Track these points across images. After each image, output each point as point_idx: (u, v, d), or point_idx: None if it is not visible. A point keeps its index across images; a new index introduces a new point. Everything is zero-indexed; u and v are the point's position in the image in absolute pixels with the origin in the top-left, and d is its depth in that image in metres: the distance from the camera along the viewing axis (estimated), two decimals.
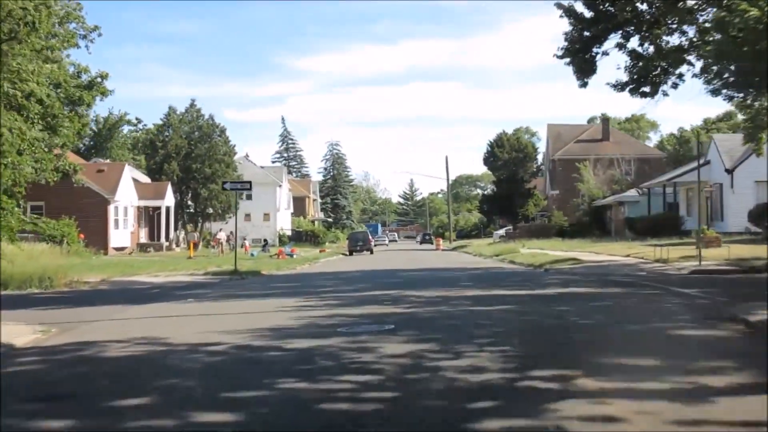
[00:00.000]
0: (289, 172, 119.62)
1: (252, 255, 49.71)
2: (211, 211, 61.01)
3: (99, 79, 30.66)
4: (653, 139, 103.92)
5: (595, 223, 59.38)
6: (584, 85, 28.32)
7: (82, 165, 53.18)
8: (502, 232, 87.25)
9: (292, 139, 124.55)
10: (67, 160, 32.10)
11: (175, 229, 58.49)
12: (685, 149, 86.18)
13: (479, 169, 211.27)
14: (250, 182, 31.36)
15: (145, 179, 60.27)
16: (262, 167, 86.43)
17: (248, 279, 26.29)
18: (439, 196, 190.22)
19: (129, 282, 24.45)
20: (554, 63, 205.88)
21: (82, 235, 45.33)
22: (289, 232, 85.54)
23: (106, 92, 30.92)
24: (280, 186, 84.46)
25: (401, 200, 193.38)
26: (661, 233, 42.38)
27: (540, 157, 77.00)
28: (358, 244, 60.78)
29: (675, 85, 27.22)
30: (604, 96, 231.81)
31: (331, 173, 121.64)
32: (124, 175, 51.10)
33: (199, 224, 60.96)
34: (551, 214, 69.34)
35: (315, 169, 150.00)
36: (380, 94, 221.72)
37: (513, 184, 72.31)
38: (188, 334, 11.02)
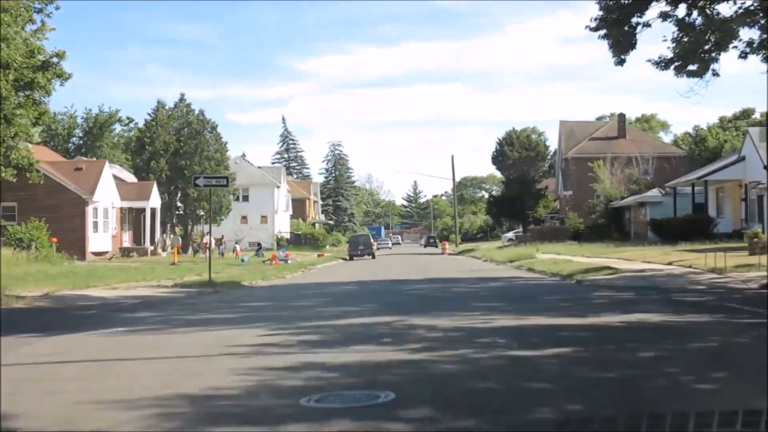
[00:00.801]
0: (290, 174, 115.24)
1: (242, 261, 45.28)
2: (201, 212, 56.59)
3: (55, 59, 26.21)
4: (665, 139, 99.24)
5: (613, 226, 54.83)
6: (621, 62, 23.81)
7: (57, 162, 48.97)
8: (510, 235, 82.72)
9: (292, 140, 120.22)
10: (20, 153, 27.64)
11: (163, 232, 54.08)
12: (701, 148, 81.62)
13: (484, 170, 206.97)
14: (226, 177, 26.85)
15: (132, 179, 55.92)
16: (259, 167, 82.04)
17: (222, 293, 21.84)
18: (443, 198, 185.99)
19: (76, 297, 19.96)
20: (557, 64, 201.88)
21: (54, 239, 40.92)
22: (287, 236, 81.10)
23: (63, 75, 26.46)
24: (278, 187, 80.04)
25: (405, 203, 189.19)
26: (690, 236, 37.87)
27: (551, 154, 72.32)
28: (359, 249, 56.32)
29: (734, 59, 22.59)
30: (611, 97, 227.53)
31: (333, 174, 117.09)
32: (104, 174, 46.67)
33: (189, 227, 56.57)
34: (565, 216, 64.80)
35: (317, 171, 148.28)
36: (383, 96, 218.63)
37: (523, 185, 67.69)
38: (46, 412, 6.56)
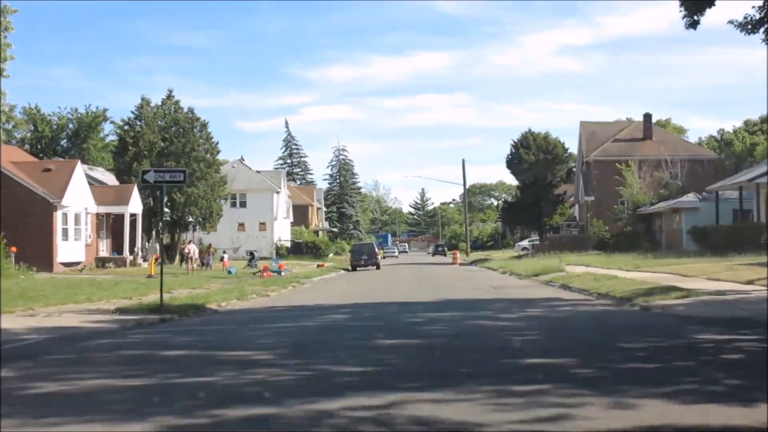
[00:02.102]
0: (293, 180, 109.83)
1: (229, 272, 39.74)
2: (190, 219, 51.06)
3: None
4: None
5: (643, 235, 49.13)
6: (694, 24, 18.25)
7: (24, 162, 43.54)
8: (525, 243, 77.05)
9: (296, 145, 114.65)
10: None
11: (147, 240, 48.56)
12: (727, 152, 75.86)
13: (493, 177, 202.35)
14: (184, 171, 21.15)
15: (115, 182, 50.51)
16: (258, 172, 76.56)
17: (170, 322, 16.29)
18: (451, 205, 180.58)
19: None
20: (564, 72, 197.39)
21: (12, 249, 35.45)
22: (288, 244, 75.59)
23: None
24: (277, 192, 74.53)
25: (412, 210, 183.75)
26: (740, 247, 32.29)
27: (570, 158, 66.63)
28: (362, 258, 50.74)
29: None
30: (619, 105, 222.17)
31: (338, 180, 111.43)
32: (76, 175, 41.22)
33: (177, 235, 51.03)
34: (587, 224, 59.12)
35: (321, 178, 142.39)
36: (389, 105, 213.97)
37: (540, 190, 62.05)
38: None
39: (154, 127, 50.14)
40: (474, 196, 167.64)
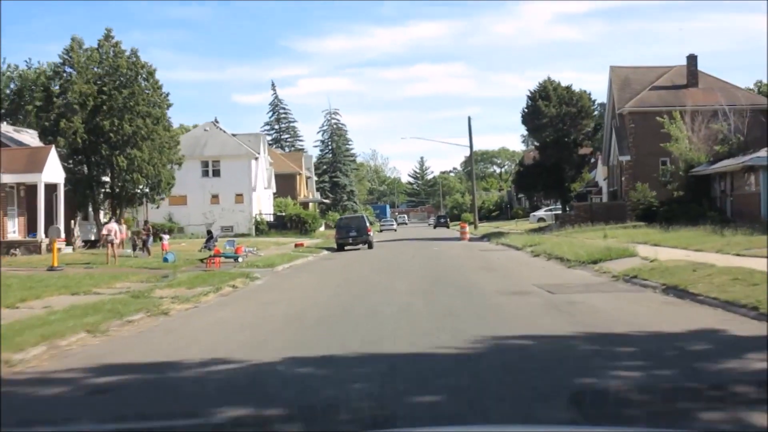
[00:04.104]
0: (282, 148, 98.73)
1: (165, 260, 28.96)
2: (139, 190, 40.15)
3: None
4: None
5: (703, 200, 38.33)
6: None
7: None
8: (541, 213, 66.34)
9: (284, 109, 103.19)
10: None
11: (71, 217, 37.61)
12: None
13: (495, 144, 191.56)
14: None
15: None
16: (234, 135, 65.44)
17: None
18: (452, 174, 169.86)
19: None
20: (562, 40, 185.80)
21: None
22: (270, 218, 64.79)
23: None
24: (256, 158, 63.49)
25: (411, 180, 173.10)
26: None
27: (592, 107, 55.15)
28: (350, 236, 39.99)
29: None
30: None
31: (330, 146, 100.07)
32: None
33: (120, 210, 40.15)
34: (623, 188, 48.22)
35: (312, 144, 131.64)
36: (387, 76, 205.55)
37: (563, 150, 51.14)
38: None
39: (88, 76, 39.02)
40: (475, 163, 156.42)
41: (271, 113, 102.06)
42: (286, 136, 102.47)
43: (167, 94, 40.95)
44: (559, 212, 56.87)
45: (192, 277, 21.69)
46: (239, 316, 13.75)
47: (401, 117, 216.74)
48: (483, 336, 9.99)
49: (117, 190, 39.47)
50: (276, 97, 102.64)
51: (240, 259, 30.02)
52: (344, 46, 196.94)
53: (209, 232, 37.39)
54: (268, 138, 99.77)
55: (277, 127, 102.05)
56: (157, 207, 45.55)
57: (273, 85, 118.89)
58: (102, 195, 40.30)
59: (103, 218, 39.85)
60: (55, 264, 25.91)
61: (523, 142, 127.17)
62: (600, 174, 66.74)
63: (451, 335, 10.17)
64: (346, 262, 30.40)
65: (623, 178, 48.24)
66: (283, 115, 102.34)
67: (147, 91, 40.20)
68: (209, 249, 33.19)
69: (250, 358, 8.93)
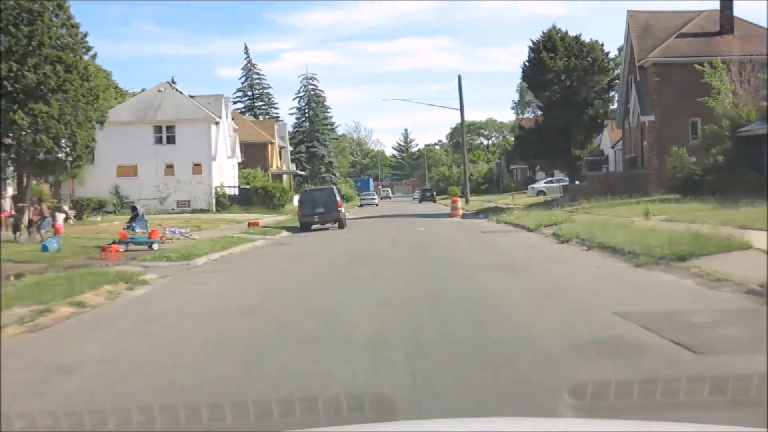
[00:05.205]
0: (255, 116, 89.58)
1: (45, 248, 20.24)
2: (52, 156, 31.36)
3: None
4: None
5: (753, 167, 30.01)
6: None
7: None
8: (541, 185, 57.99)
9: (257, 73, 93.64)
10: None
11: None
12: None
13: (482, 116, 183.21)
14: None
15: None
16: (192, 97, 56.40)
17: None
18: (437, 147, 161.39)
19: None
20: (548, 15, 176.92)
21: None
22: (234, 191, 56.15)
23: None
24: (217, 123, 54.63)
25: (395, 153, 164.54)
26: None
27: (606, 59, 46.18)
28: (315, 213, 31.41)
29: None
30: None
31: (306, 114, 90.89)
32: None
33: (26, 180, 31.41)
34: (643, 154, 39.87)
35: (288, 112, 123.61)
36: (371, 50, 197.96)
37: (572, 110, 42.63)
38: None
39: None
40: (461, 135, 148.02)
41: (243, 78, 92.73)
42: (260, 103, 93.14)
43: (85, 35, 31.98)
44: (561, 184, 48.58)
45: (32, 284, 13.15)
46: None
47: (386, 91, 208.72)
48: None
49: (20, 154, 30.67)
50: (249, 61, 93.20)
51: (156, 246, 21.53)
52: (329, 20, 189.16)
53: (134, 209, 28.61)
54: (240, 105, 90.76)
55: (250, 93, 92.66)
56: (74, 177, 36.75)
57: (246, 48, 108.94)
58: (3, 161, 31.47)
59: (10, 191, 31.23)
60: None
61: (513, 108, 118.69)
62: (607, 141, 58.36)
63: None
64: (299, 251, 21.85)
65: (645, 143, 39.84)
66: (257, 81, 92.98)
67: (60, 31, 31.27)
68: (133, 230, 24.62)
69: None
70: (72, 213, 35.30)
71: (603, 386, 5.28)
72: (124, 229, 24.60)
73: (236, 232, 28.88)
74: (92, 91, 31.94)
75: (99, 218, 38.67)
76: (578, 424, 3.67)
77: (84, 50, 31.96)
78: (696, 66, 34.32)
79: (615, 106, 47.61)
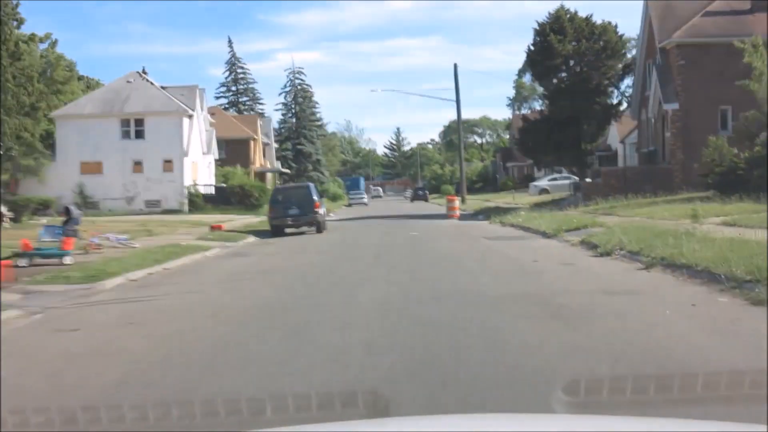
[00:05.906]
0: (239, 112, 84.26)
1: None
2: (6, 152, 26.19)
3: None
4: None
5: None
6: None
7: None
8: (543, 183, 52.96)
9: (242, 67, 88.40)
10: None
11: None
12: None
13: (476, 113, 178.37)
14: None
15: None
16: (164, 87, 51.22)
17: None
18: (429, 146, 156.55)
19: None
20: (537, 14, 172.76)
21: None
22: (210, 189, 51.08)
23: None
24: (190, 116, 49.50)
25: (387, 151, 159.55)
26: None
27: (620, 42, 40.97)
28: (288, 215, 26.30)
29: None
30: None
31: (293, 110, 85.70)
32: None
33: None
34: (665, 146, 34.91)
35: (274, 107, 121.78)
36: (363, 50, 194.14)
37: (583, 99, 37.67)
38: None
39: None
40: (454, 133, 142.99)
41: (227, 73, 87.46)
42: (245, 98, 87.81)
43: (16, 5, 26.80)
44: (570, 182, 43.66)
45: None
46: None
47: (379, 89, 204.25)
48: None
49: None
50: (233, 55, 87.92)
51: (68, 259, 16.47)
52: (322, 20, 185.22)
53: (67, 210, 23.37)
54: (224, 101, 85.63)
55: (234, 88, 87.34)
56: (23, 175, 31.61)
57: (230, 40, 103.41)
58: None
59: None
60: None
61: (509, 105, 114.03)
62: (614, 134, 53.41)
63: None
64: (253, 266, 16.72)
65: (667, 134, 34.87)
66: (242, 76, 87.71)
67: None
68: (66, 235, 19.45)
69: None
70: (9, 215, 30.25)
71: None
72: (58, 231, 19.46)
73: (193, 238, 23.86)
74: (26, 73, 26.70)
75: (45, 220, 33.51)
76: (574, 421, 3.47)
77: (15, 23, 26.78)
78: (734, 43, 29.34)
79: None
